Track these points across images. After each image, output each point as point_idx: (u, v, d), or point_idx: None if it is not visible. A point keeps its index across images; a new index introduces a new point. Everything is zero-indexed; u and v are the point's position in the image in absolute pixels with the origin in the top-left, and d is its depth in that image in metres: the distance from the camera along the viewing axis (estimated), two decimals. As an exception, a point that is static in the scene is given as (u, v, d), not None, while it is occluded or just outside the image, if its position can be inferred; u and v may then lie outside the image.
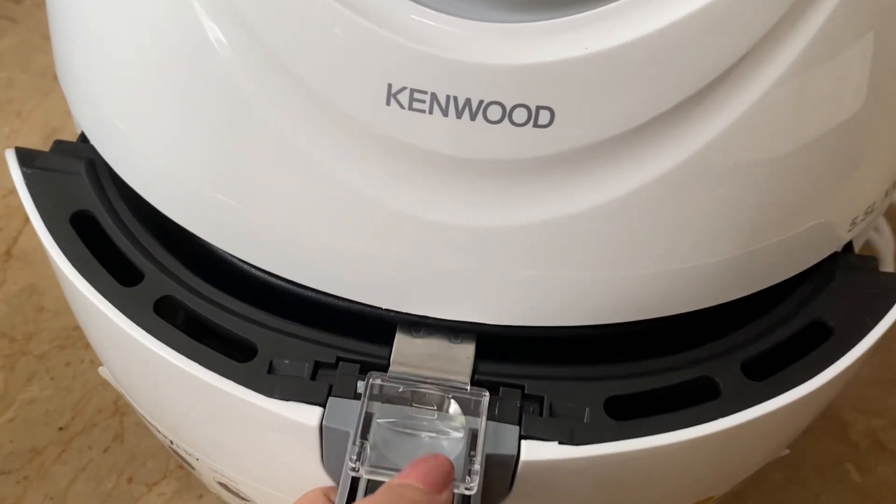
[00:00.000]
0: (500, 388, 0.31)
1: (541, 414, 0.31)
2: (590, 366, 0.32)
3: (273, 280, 0.33)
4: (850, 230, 0.35)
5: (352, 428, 0.30)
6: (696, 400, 0.32)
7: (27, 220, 0.43)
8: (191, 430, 0.35)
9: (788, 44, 0.28)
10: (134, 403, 0.37)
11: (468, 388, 0.31)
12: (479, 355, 0.32)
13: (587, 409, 0.31)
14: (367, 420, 0.30)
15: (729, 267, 0.32)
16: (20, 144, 0.55)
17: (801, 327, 0.33)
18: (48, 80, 0.68)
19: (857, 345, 0.33)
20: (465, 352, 0.32)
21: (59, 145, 0.36)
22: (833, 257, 0.35)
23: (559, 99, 0.27)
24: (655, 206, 0.29)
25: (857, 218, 0.34)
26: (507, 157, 0.28)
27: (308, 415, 0.30)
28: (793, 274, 0.34)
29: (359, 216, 0.30)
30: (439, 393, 0.31)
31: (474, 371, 0.32)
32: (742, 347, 0.33)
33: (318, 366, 0.31)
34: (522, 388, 0.31)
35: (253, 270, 0.34)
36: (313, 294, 0.33)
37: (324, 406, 0.30)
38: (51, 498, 0.47)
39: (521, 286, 0.31)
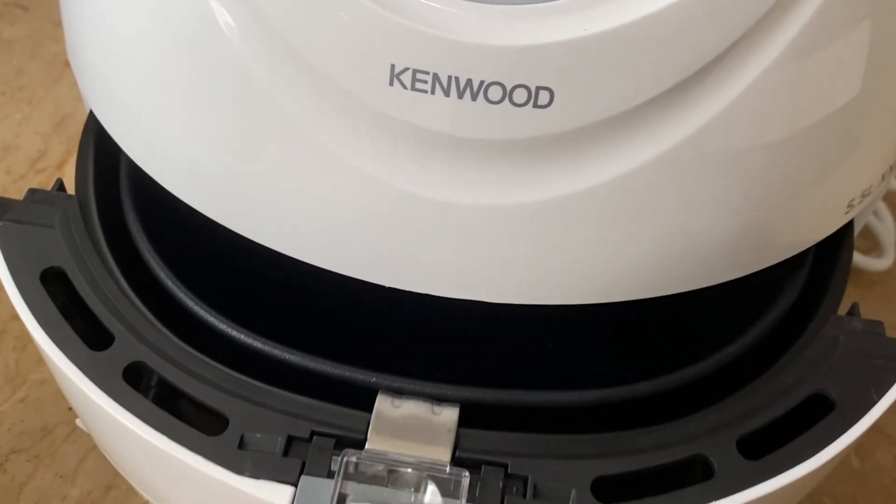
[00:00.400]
0: (483, 467, 0.29)
1: (524, 495, 0.29)
2: (577, 438, 0.30)
3: (250, 341, 0.32)
4: (846, 212, 0.34)
5: (324, 511, 0.28)
6: (689, 477, 0.30)
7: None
8: (164, 495, 0.34)
9: (786, 25, 0.27)
10: (109, 460, 0.36)
11: (447, 469, 0.29)
12: (464, 424, 0.30)
13: (573, 490, 0.29)
14: (341, 502, 0.29)
15: (725, 245, 0.31)
16: (32, 130, 0.58)
17: (800, 400, 0.31)
18: (59, 67, 0.67)
19: (861, 420, 0.31)
20: (447, 424, 0.30)
21: (34, 194, 0.35)
22: (836, 322, 0.33)
23: (558, 80, 0.27)
24: (655, 184, 0.29)
25: (853, 200, 0.33)
26: (508, 137, 0.28)
27: (279, 495, 0.29)
28: (791, 255, 0.33)
29: (362, 194, 0.30)
30: (417, 473, 0.29)
31: (456, 446, 0.30)
32: (738, 423, 0.31)
33: (291, 440, 0.30)
34: (506, 466, 0.29)
35: (229, 330, 0.32)
36: (292, 357, 0.31)
37: (296, 485, 0.29)
38: (61, 476, 0.47)
39: (520, 264, 0.30)
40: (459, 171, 0.29)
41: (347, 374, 0.31)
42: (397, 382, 0.31)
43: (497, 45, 0.27)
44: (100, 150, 0.36)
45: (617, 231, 0.30)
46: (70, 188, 0.35)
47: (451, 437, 0.30)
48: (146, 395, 0.31)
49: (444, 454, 0.30)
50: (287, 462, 0.29)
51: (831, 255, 0.35)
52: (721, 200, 0.30)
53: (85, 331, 0.31)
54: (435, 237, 0.30)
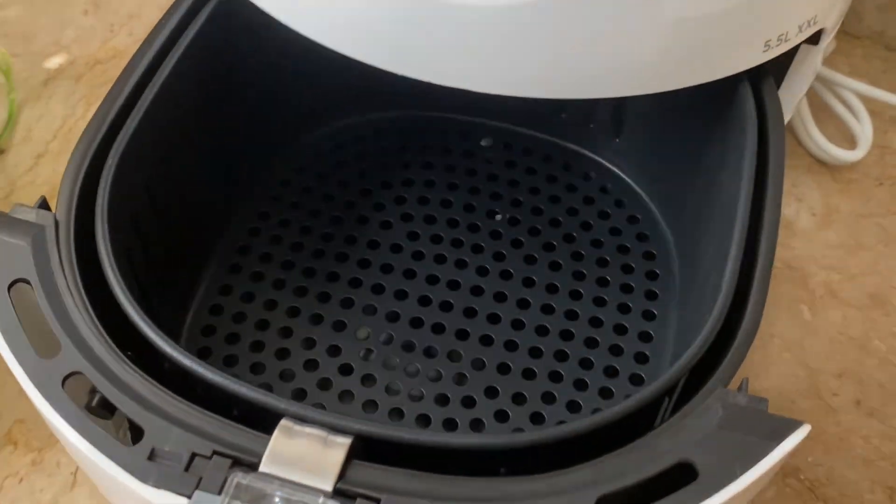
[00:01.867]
0: (357, 500, 0.31)
1: None
2: (451, 480, 0.32)
3: (181, 359, 0.34)
4: (764, 51, 0.39)
5: (209, 525, 0.31)
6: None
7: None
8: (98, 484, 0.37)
9: None
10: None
11: (320, 499, 0.31)
12: (358, 456, 0.32)
13: None
14: (225, 518, 0.31)
15: (661, 54, 0.38)
16: (153, 3, 0.70)
17: (666, 467, 0.32)
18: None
19: (719, 493, 0.31)
20: (337, 456, 0.32)
21: (17, 209, 0.38)
22: (721, 394, 0.33)
23: None
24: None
25: (769, 41, 0.39)
26: None
27: (175, 505, 0.31)
28: (718, 77, 0.39)
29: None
30: (294, 500, 0.31)
31: (340, 477, 0.32)
32: (603, 482, 0.32)
33: (194, 456, 0.32)
34: (378, 501, 0.31)
35: (170, 350, 0.35)
36: (212, 376, 0.34)
37: (190, 498, 0.31)
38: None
39: (514, 57, 0.38)
40: None
41: (258, 397, 0.33)
42: (301, 410, 0.33)
43: None
44: (86, 174, 0.39)
45: (575, 35, 0.37)
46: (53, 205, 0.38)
47: (336, 469, 0.32)
48: (92, 399, 0.35)
49: (327, 484, 0.32)
50: (186, 477, 0.32)
51: (735, 322, 0.35)
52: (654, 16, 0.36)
53: (37, 338, 0.35)
54: (450, 33, 0.37)
